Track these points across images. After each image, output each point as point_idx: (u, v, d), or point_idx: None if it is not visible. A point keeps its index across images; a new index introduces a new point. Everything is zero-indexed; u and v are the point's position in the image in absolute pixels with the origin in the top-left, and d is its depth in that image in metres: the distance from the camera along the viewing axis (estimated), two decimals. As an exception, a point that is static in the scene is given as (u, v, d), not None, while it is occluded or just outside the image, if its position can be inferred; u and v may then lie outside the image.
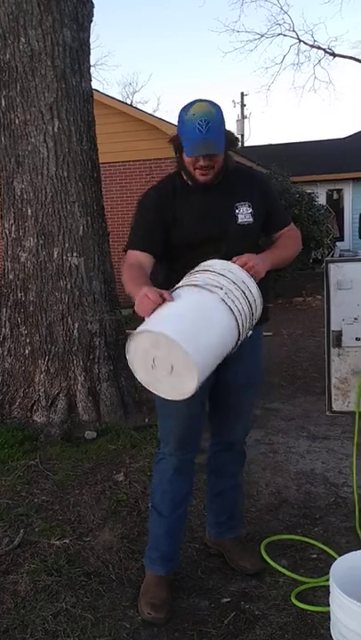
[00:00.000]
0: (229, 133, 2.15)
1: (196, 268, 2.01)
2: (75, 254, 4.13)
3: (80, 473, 3.42)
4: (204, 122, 1.97)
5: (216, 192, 2.15)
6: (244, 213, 2.16)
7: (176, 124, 2.10)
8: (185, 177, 2.17)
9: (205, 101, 2.05)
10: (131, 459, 3.56)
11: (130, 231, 2.23)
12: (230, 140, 2.14)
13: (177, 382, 1.79)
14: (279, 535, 2.66)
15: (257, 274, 2.02)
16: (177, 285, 1.96)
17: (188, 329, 1.77)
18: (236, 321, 1.89)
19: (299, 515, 2.88)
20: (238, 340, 1.94)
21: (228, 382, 2.25)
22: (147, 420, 4.08)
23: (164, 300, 1.82)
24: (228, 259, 2.01)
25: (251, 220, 2.17)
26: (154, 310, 1.82)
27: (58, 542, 2.69)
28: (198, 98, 2.08)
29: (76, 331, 4.13)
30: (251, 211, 2.17)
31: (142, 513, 2.90)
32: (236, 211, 2.16)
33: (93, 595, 2.33)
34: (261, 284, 2.07)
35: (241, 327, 1.92)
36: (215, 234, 2.13)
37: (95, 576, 2.44)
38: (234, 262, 2.00)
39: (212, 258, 2.04)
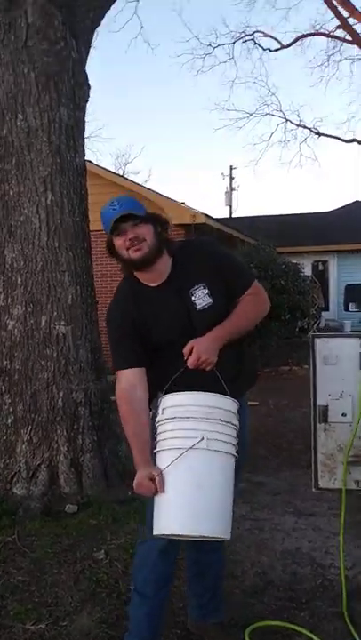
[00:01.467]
0: (160, 216, 2.20)
1: (161, 416, 1.99)
2: (62, 323, 4.14)
3: (59, 550, 3.30)
4: (114, 202, 2.10)
5: (168, 287, 2.14)
6: (200, 297, 2.11)
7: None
8: (126, 270, 2.19)
9: (120, 195, 2.19)
10: (112, 535, 3.45)
11: (111, 350, 2.21)
12: (161, 222, 2.16)
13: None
14: (265, 621, 2.55)
15: (210, 364, 2.04)
16: (157, 448, 1.99)
17: (194, 513, 1.87)
18: (226, 452, 1.94)
19: (285, 598, 2.78)
20: (236, 450, 2.00)
21: None
22: (130, 493, 3.97)
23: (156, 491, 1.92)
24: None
25: (210, 300, 2.11)
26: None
27: (33, 627, 2.56)
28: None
29: (60, 400, 4.08)
30: (207, 291, 2.11)
31: (123, 595, 2.79)
32: (193, 298, 2.11)
33: None
34: (234, 350, 2.12)
35: (231, 449, 1.96)
36: (182, 328, 2.10)
37: (71, 664, 2.32)
38: (186, 361, 2.02)
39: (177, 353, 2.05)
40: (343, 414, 2.77)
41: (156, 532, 1.93)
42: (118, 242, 2.11)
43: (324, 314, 14.31)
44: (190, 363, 2.03)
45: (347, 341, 2.84)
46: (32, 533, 3.50)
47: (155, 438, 2.02)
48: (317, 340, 2.81)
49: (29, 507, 3.80)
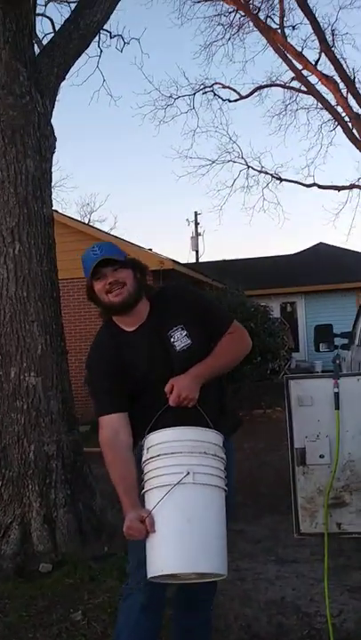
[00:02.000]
0: (139, 261, 2.24)
1: (146, 456, 1.96)
2: (32, 374, 4.06)
3: (34, 613, 3.14)
4: (97, 246, 2.16)
5: (147, 330, 2.15)
6: (179, 339, 2.12)
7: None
8: (105, 314, 2.20)
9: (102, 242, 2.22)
10: (89, 594, 3.30)
11: (92, 396, 2.19)
12: (140, 268, 2.21)
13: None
14: None
15: (191, 400, 2.02)
16: (145, 489, 1.94)
17: (187, 550, 1.82)
18: (214, 485, 1.91)
19: (272, 651, 2.68)
20: (225, 484, 1.97)
21: None
22: (106, 549, 3.84)
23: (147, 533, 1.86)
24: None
25: (189, 341, 2.12)
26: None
27: None
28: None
29: (32, 453, 3.97)
30: (185, 332, 2.13)
31: (102, 658, 2.65)
32: (172, 339, 2.12)
33: None
34: (214, 387, 2.13)
35: (219, 482, 1.93)
36: (163, 369, 2.09)
37: None
38: (169, 398, 2.01)
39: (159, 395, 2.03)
40: (321, 456, 2.74)
41: (150, 574, 1.86)
42: (98, 286, 2.12)
43: (294, 355, 14.45)
44: (172, 400, 2.01)
45: (320, 382, 2.83)
46: (5, 596, 3.34)
47: (142, 480, 1.97)
48: (291, 382, 2.80)
49: (1, 567, 3.64)
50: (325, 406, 2.73)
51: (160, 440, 1.94)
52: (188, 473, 1.85)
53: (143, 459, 1.97)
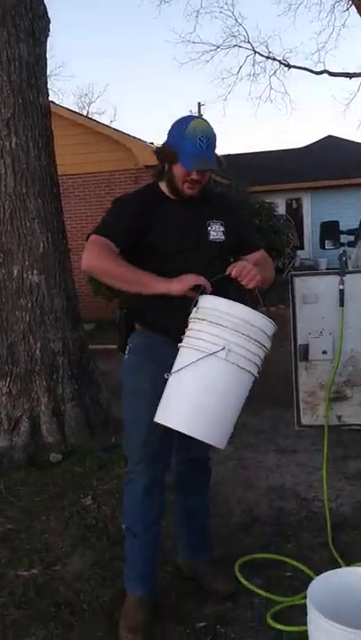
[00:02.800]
0: (221, 162, 2.22)
1: (194, 314, 2.00)
2: (35, 272, 4.04)
3: (46, 498, 3.32)
4: (205, 138, 2.07)
5: (191, 207, 2.19)
6: (216, 230, 2.21)
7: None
8: (168, 188, 2.19)
9: (202, 119, 2.19)
10: (98, 481, 3.48)
11: (101, 221, 2.20)
12: (219, 161, 2.20)
13: None
14: (252, 555, 2.62)
15: (254, 278, 2.07)
16: (182, 343, 1.99)
17: (194, 413, 1.92)
18: (244, 368, 1.94)
19: (271, 532, 2.85)
20: (258, 371, 2.02)
21: None
22: (114, 440, 4.00)
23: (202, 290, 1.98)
24: (201, 274, 2.03)
25: (223, 237, 2.21)
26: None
27: (26, 573, 2.60)
28: (189, 115, 2.18)
29: (38, 350, 4.03)
30: (223, 229, 2.22)
31: (112, 537, 2.83)
32: (209, 227, 2.20)
33: (65, 626, 2.25)
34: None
35: (252, 367, 1.97)
36: (188, 247, 2.15)
37: (66, 606, 2.36)
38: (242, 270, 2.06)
39: (184, 271, 2.05)
40: (324, 352, 2.79)
41: (156, 418, 1.98)
42: (181, 172, 2.11)
43: (299, 252, 14.33)
44: (235, 270, 2.06)
45: (325, 279, 2.82)
46: (18, 483, 3.52)
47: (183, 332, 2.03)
48: (296, 280, 2.79)
49: (13, 457, 3.81)
50: (330, 303, 2.73)
51: (212, 306, 1.97)
52: (224, 348, 1.89)
53: (191, 315, 2.00)
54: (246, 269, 2.07)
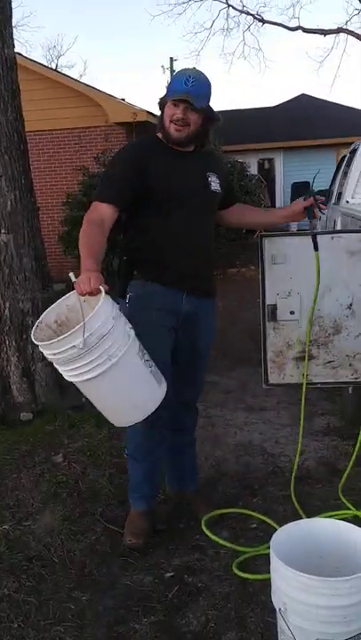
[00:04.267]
0: (213, 114, 2.34)
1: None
2: (3, 231, 3.97)
3: (17, 456, 3.35)
4: (191, 78, 2.22)
5: (191, 158, 2.36)
6: (214, 182, 2.39)
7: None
8: (162, 137, 2.32)
9: (200, 71, 2.29)
10: (69, 439, 3.52)
11: (100, 182, 2.35)
12: (211, 120, 2.34)
13: None
14: (219, 510, 2.70)
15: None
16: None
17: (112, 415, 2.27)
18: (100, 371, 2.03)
19: (238, 486, 2.94)
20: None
21: (189, 346, 2.48)
22: (84, 400, 4.01)
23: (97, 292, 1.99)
24: (195, 221, 2.30)
25: (219, 189, 2.41)
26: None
27: (-3, 529, 2.64)
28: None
29: (7, 310, 4.00)
30: (219, 182, 2.41)
31: (83, 493, 2.89)
32: (209, 179, 2.38)
33: (36, 579, 2.31)
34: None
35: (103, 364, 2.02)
36: (189, 194, 2.30)
37: (37, 560, 2.42)
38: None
39: (179, 220, 2.28)
40: (291, 312, 2.82)
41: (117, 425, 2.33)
42: (169, 111, 2.26)
43: (270, 213, 14.30)
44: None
45: (295, 240, 2.83)
46: (-12, 442, 3.53)
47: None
48: (265, 240, 2.79)
49: (-17, 417, 3.82)
50: (298, 264, 2.75)
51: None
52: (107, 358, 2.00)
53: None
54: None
